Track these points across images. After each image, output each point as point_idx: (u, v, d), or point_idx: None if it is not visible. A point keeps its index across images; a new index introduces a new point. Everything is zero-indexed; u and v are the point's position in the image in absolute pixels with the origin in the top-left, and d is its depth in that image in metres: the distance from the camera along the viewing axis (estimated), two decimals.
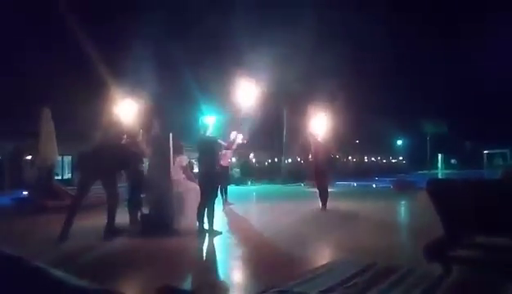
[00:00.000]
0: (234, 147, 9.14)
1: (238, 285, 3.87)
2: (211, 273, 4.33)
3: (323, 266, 2.40)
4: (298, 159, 37.92)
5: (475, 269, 3.52)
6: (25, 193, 12.33)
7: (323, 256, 4.59)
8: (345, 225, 6.87)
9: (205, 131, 6.51)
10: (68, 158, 28.70)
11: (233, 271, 4.41)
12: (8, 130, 21.30)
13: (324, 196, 8.76)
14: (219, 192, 9.70)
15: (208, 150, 6.31)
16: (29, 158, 22.79)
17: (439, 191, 3.59)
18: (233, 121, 9.77)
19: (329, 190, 9.02)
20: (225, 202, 10.07)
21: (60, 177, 26.89)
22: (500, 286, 2.01)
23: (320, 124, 9.46)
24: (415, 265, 3.54)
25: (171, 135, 6.75)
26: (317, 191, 8.96)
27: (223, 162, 9.56)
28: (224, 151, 9.05)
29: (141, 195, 7.47)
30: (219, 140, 6.58)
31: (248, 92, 8.99)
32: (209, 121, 7.06)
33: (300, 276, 2.27)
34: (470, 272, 3.26)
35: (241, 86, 9.63)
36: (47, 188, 11.07)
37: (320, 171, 8.82)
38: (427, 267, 3.26)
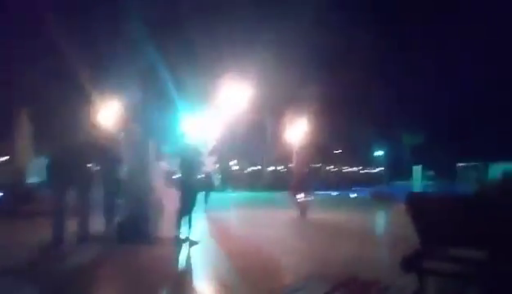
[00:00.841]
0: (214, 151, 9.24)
1: None
2: (183, 287, 4.25)
3: (303, 281, 2.38)
4: (279, 168, 38.05)
5: (448, 282, 3.59)
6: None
7: (300, 268, 4.55)
8: (323, 236, 6.91)
9: (186, 139, 6.46)
10: (45, 161, 28.06)
11: (206, 286, 4.33)
12: None
13: (303, 204, 8.85)
14: (203, 197, 9.81)
15: (189, 158, 6.25)
16: (3, 159, 22.13)
17: (417, 205, 3.65)
18: (214, 123, 9.76)
19: (308, 199, 9.08)
20: (205, 209, 10.08)
21: (35, 180, 26.32)
22: None
23: (300, 133, 9.56)
24: (391, 277, 3.59)
25: (150, 142, 6.66)
26: (297, 199, 9.03)
27: (207, 169, 9.66)
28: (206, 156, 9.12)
29: (118, 201, 7.33)
30: (200, 148, 6.52)
31: (230, 97, 8.99)
32: (190, 123, 7.01)
33: (281, 292, 2.25)
34: (442, 288, 3.31)
35: (225, 94, 9.63)
36: (21, 192, 10.77)
37: (301, 180, 8.91)
38: (402, 281, 3.30)
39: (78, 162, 6.05)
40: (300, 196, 9.00)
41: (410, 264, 3.56)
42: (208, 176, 10.19)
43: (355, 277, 2.47)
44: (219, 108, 9.91)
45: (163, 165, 6.82)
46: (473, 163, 42.10)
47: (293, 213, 9.01)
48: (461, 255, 3.59)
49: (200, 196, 10.02)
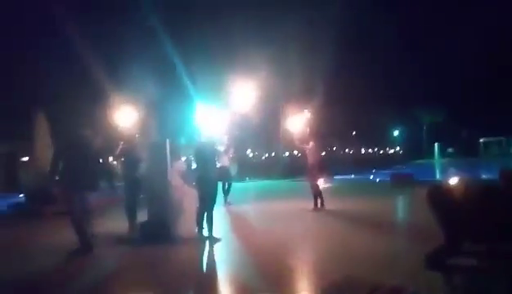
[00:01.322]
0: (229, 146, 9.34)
1: None
2: (208, 285, 4.31)
3: (333, 285, 2.38)
4: (296, 153, 37.97)
5: (475, 280, 3.54)
6: (21, 195, 12.27)
7: (323, 267, 4.56)
8: (345, 229, 6.86)
9: (201, 137, 6.48)
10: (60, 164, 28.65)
11: (233, 284, 4.39)
12: (1, 131, 21.15)
13: (316, 196, 8.86)
14: (222, 191, 10.04)
15: (206, 156, 6.27)
16: (24, 159, 22.68)
17: (439, 200, 3.57)
18: (229, 118, 9.76)
19: (325, 186, 9.04)
20: (226, 202, 10.20)
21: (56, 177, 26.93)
22: None
23: (310, 119, 9.46)
24: (417, 276, 3.57)
25: (168, 141, 6.70)
26: (315, 189, 9.01)
27: (223, 163, 9.99)
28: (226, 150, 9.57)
29: (138, 201, 7.44)
30: (216, 146, 6.54)
31: (244, 93, 8.94)
32: (205, 116, 7.03)
33: None
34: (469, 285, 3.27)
35: (237, 87, 9.58)
36: (45, 193, 11.00)
37: (312, 173, 8.88)
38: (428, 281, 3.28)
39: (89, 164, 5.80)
40: (317, 184, 8.98)
41: (434, 261, 3.52)
42: (226, 168, 10.32)
43: (381, 284, 2.44)
44: (233, 98, 9.88)
45: (181, 164, 6.86)
46: (496, 138, 41.34)
47: (312, 204, 8.99)
48: (488, 249, 3.53)
49: (220, 188, 10.32)
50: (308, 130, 9.09)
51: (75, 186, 5.59)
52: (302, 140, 9.05)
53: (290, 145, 9.58)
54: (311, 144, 8.90)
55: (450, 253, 3.57)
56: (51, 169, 5.87)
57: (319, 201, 8.87)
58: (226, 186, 10.54)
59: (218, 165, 9.98)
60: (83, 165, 5.64)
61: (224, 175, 10.20)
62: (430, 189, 3.70)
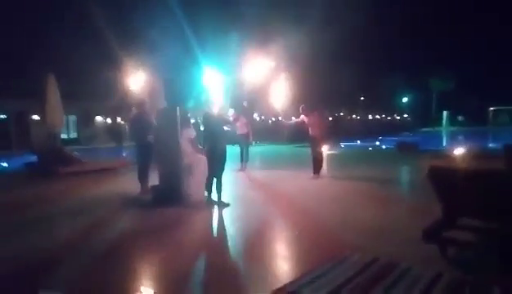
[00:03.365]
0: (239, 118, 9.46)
1: (242, 263, 4.12)
2: (217, 246, 4.60)
3: (329, 260, 2.60)
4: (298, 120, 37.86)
5: (469, 254, 3.76)
6: (34, 156, 12.60)
7: (323, 237, 4.79)
8: (347, 200, 7.08)
9: (209, 108, 6.59)
10: (73, 118, 29.03)
11: (240, 248, 4.66)
12: (13, 88, 21.36)
13: (317, 164, 9.07)
14: (240, 156, 10.73)
15: (215, 126, 6.41)
16: (35, 118, 23.02)
17: (439, 179, 3.74)
18: (238, 87, 9.81)
19: (330, 153, 9.14)
20: (244, 165, 10.76)
21: (66, 136, 27.48)
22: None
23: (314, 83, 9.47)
24: (413, 252, 3.80)
25: (178, 108, 6.83)
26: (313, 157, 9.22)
27: (241, 131, 10.65)
28: (239, 121, 10.11)
29: (150, 164, 7.70)
30: (225, 116, 6.66)
31: (254, 65, 8.91)
32: (213, 82, 7.11)
33: (306, 273, 2.48)
34: (463, 269, 3.48)
35: (246, 56, 9.52)
36: (57, 154, 11.32)
37: (315, 142, 9.04)
38: (424, 259, 3.50)
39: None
40: (321, 153, 9.15)
41: (431, 234, 3.73)
42: (245, 135, 10.80)
43: (376, 258, 2.65)
44: (242, 67, 9.87)
45: (191, 130, 7.02)
46: (506, 107, 40.78)
47: (317, 173, 9.20)
48: (484, 226, 3.72)
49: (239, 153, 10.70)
50: (302, 106, 9.19)
51: None
52: (300, 113, 9.15)
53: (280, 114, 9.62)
54: (314, 114, 9.00)
55: (446, 227, 3.79)
56: None
57: (325, 168, 9.10)
58: (244, 151, 10.92)
59: (238, 132, 10.49)
60: None
61: (243, 141, 10.82)
62: (431, 168, 3.85)
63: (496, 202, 3.43)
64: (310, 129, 9.05)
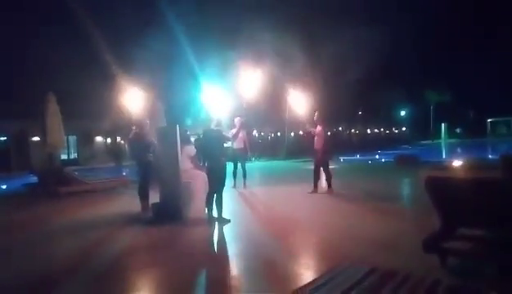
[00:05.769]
0: (239, 131, 9.41)
1: (244, 279, 4.13)
2: (216, 265, 4.60)
3: (328, 272, 2.63)
4: (301, 133, 38.06)
5: (469, 263, 3.79)
6: (34, 177, 12.63)
7: (331, 250, 4.81)
8: (348, 212, 7.11)
9: (208, 124, 6.67)
10: (73, 138, 29.13)
11: (241, 264, 4.67)
12: (13, 110, 21.49)
13: (329, 178, 9.02)
14: (233, 173, 10.41)
15: (214, 143, 6.47)
16: (35, 139, 23.10)
17: (437, 190, 3.78)
18: (236, 102, 9.89)
19: (333, 166, 9.05)
20: (244, 184, 10.51)
21: (66, 157, 27.55)
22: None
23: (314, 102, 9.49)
24: (412, 262, 3.83)
25: (177, 126, 6.91)
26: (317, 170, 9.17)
27: (238, 145, 10.28)
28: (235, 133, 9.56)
29: (150, 183, 7.74)
30: (224, 133, 6.72)
31: (251, 80, 9.02)
32: (211, 98, 7.17)
33: (306, 284, 2.51)
34: (463, 278, 3.51)
35: (243, 70, 9.66)
36: (57, 174, 11.35)
37: (320, 155, 8.98)
38: (424, 269, 3.52)
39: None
40: (323, 168, 9.13)
41: (431, 245, 3.76)
42: (243, 150, 10.55)
43: (376, 267, 2.69)
44: (239, 81, 9.97)
45: (191, 148, 7.09)
46: (503, 118, 41.02)
47: (320, 187, 9.22)
48: (482, 235, 3.76)
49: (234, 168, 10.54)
50: (317, 113, 9.17)
51: None
52: (311, 124, 9.12)
53: (298, 127, 9.50)
54: (318, 127, 9.01)
55: (445, 237, 3.82)
56: None
57: (323, 183, 9.09)
58: (240, 169, 10.61)
59: (235, 146, 10.31)
60: None
61: (240, 156, 10.52)
62: (428, 179, 3.90)
63: (494, 211, 3.48)
64: (316, 141, 8.96)
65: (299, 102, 9.29)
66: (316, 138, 8.97)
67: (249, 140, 11.14)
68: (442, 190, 3.77)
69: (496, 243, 3.48)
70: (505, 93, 38.96)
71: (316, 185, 9.10)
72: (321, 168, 9.00)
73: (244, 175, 10.64)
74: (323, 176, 9.26)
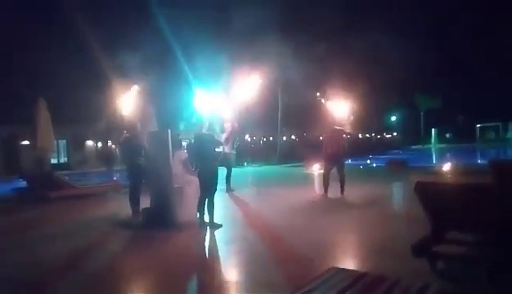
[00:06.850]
0: (230, 136, 9.41)
1: (236, 284, 4.12)
2: (209, 271, 4.59)
3: (318, 277, 2.64)
4: (293, 137, 38.19)
5: (458, 267, 3.83)
6: (24, 182, 12.46)
7: (322, 255, 4.82)
8: (338, 217, 7.14)
9: (199, 128, 6.65)
10: (63, 142, 28.87)
11: (233, 269, 4.66)
12: (2, 114, 21.28)
13: (343, 184, 9.02)
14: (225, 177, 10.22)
15: (206, 147, 6.46)
16: (25, 143, 22.85)
17: (427, 194, 3.82)
18: (228, 106, 9.87)
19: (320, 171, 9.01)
20: (228, 189, 10.41)
21: (56, 161, 27.25)
22: None
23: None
24: (403, 267, 3.86)
25: (169, 130, 6.89)
26: (323, 175, 9.12)
27: (227, 149, 9.97)
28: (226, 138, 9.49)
29: (141, 187, 7.68)
30: (216, 137, 6.71)
31: (245, 84, 9.05)
32: (205, 103, 7.14)
33: (294, 290, 2.52)
34: (452, 282, 3.54)
35: (237, 75, 9.69)
36: (47, 178, 11.23)
37: (337, 158, 8.90)
38: (414, 274, 3.55)
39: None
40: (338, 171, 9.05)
41: (420, 249, 3.79)
42: (228, 155, 10.38)
43: (365, 273, 2.70)
44: (232, 86, 9.97)
45: (183, 153, 7.07)
46: (492, 124, 41.64)
47: (313, 190, 9.23)
48: (471, 239, 3.80)
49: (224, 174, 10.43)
50: (352, 117, 9.10)
51: None
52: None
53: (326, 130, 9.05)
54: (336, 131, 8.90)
55: (435, 241, 3.86)
56: None
57: (331, 188, 9.04)
58: (227, 173, 10.50)
59: (227, 150, 10.11)
60: None
61: (225, 162, 10.21)
62: (418, 184, 3.93)
63: (483, 216, 3.52)
64: (330, 146, 8.86)
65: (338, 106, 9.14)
66: (331, 142, 8.84)
67: (243, 146, 11.02)
68: (431, 195, 3.81)
69: (485, 247, 3.52)
70: (494, 99, 39.57)
71: (326, 190, 9.05)
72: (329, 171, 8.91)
73: (228, 179, 10.52)
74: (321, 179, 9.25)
